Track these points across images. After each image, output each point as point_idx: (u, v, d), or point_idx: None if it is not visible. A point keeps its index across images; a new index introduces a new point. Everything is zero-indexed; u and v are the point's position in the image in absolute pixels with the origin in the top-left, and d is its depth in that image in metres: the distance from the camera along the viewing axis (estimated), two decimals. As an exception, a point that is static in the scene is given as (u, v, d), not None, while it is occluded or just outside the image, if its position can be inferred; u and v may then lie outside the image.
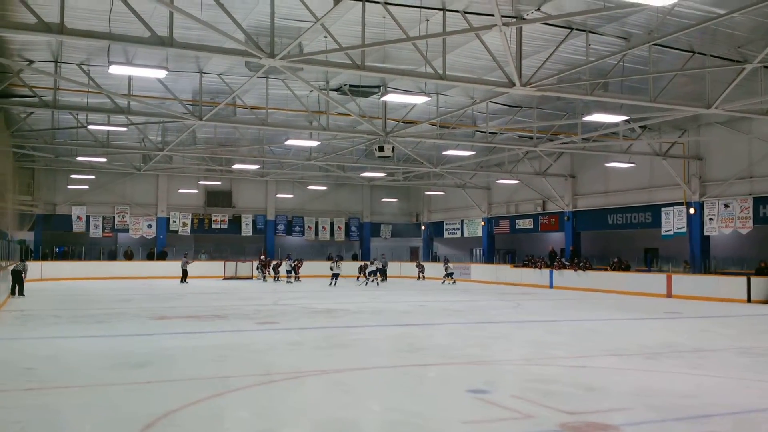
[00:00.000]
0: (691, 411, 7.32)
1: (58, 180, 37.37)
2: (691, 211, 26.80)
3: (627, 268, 29.45)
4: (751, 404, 7.81)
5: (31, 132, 26.75)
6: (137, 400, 7.74)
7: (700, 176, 26.86)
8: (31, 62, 18.31)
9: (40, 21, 11.84)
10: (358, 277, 34.67)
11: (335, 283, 31.94)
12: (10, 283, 22.34)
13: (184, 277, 33.32)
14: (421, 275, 38.12)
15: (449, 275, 34.50)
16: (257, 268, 37.11)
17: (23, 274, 22.90)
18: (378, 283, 33.53)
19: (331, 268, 32.68)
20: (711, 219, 26.17)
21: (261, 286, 32.01)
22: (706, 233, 26.47)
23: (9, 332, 13.77)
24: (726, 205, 25.62)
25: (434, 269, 38.51)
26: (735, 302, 22.55)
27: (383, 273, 36.44)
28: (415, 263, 39.97)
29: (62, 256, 37.56)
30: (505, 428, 6.72)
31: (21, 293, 22.44)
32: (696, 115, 21.10)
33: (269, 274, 35.97)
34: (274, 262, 36.61)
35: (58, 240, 38.04)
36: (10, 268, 22.68)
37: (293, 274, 34.52)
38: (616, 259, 29.83)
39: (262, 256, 38.34)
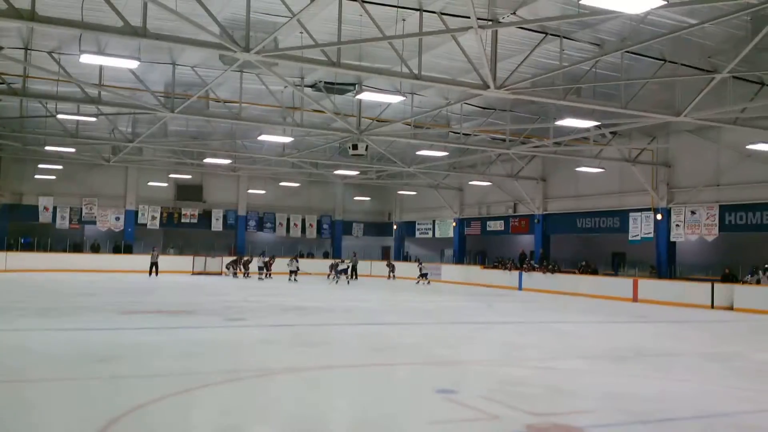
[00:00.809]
0: (657, 414, 7.42)
1: (26, 169, 36.63)
2: (659, 216, 27.19)
3: (594, 272, 29.79)
4: (716, 409, 7.95)
5: (-2, 120, 26.24)
6: (103, 395, 7.63)
7: (668, 183, 27.26)
8: (1, 48, 17.94)
9: (10, 7, 11.61)
10: (328, 275, 34.62)
11: (294, 279, 32.98)
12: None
13: (155, 270, 33.56)
14: (391, 275, 38.17)
15: (423, 275, 34.46)
16: (227, 266, 36.82)
17: None
18: (348, 282, 33.61)
19: (288, 265, 33.81)
20: (678, 225, 26.58)
21: (230, 282, 31.78)
22: (672, 239, 26.88)
23: (-30, 324, 13.49)
24: (693, 212, 26.04)
25: (405, 269, 38.66)
26: (699, 308, 22.93)
27: (354, 271, 36.58)
28: (386, 262, 40.01)
29: (28, 247, 36.86)
30: (471, 429, 6.75)
31: None
32: (666, 123, 21.40)
33: (239, 270, 35.71)
34: (245, 258, 36.37)
35: (24, 230, 37.31)
36: None
37: (265, 270, 34.42)
38: (584, 263, 30.15)
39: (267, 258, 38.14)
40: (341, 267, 34.36)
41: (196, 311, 17.24)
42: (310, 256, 44.23)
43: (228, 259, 37.10)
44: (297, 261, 34.29)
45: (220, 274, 36.89)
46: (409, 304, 22.05)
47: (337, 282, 32.76)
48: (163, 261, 35.81)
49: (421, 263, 35.96)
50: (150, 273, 33.40)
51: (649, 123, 21.09)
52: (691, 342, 14.71)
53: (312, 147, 30.27)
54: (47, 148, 29.94)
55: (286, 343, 12.19)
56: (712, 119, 19.04)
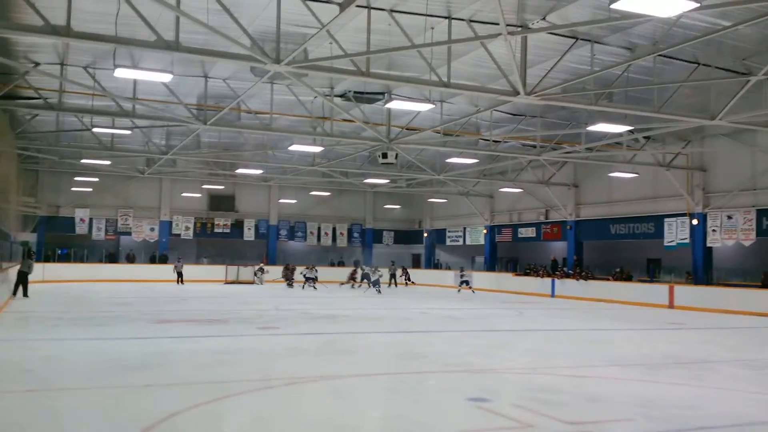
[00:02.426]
0: (692, 423, 7.29)
1: (62, 182, 37.42)
2: (694, 222, 26.75)
3: (629, 278, 29.39)
4: (752, 417, 7.77)
5: (35, 134, 26.80)
6: (136, 403, 7.73)
7: (704, 187, 26.82)
8: (37, 64, 18.37)
9: (46, 23, 11.88)
10: (352, 285, 34.87)
11: (313, 286, 33.60)
12: (13, 284, 22.33)
13: (180, 279, 34.70)
14: (401, 281, 38.47)
15: (465, 282, 33.25)
16: (255, 273, 37.17)
17: (28, 275, 22.88)
18: (379, 290, 32.46)
19: (303, 275, 34.24)
20: (714, 230, 26.12)
21: (262, 290, 31.94)
22: (708, 244, 26.42)
23: (10, 333, 13.78)
24: (729, 217, 25.57)
25: (426, 276, 39.11)
26: (737, 314, 22.47)
27: (393, 278, 38.07)
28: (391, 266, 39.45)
29: (64, 258, 37.61)
30: (504, 437, 6.70)
31: (25, 294, 22.44)
32: (700, 127, 21.08)
33: (294, 280, 35.64)
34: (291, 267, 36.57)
35: (60, 242, 38.09)
36: (17, 268, 22.69)
37: (312, 282, 34.41)
38: (618, 269, 29.77)
39: (262, 264, 38.42)
40: (374, 277, 32.56)
41: (228, 320, 17.39)
42: (341, 264, 44.36)
43: (267, 267, 37.56)
44: (316, 270, 34.67)
45: (252, 283, 37.13)
46: (440, 311, 21.96)
47: (364, 289, 32.66)
48: (196, 270, 36.44)
49: (463, 270, 34.88)
50: (178, 282, 34.49)
51: (683, 127, 20.79)
52: (729, 349, 14.40)
53: (342, 156, 30.39)
54: (83, 161, 30.51)
55: (317, 352, 12.23)
56: (747, 122, 18.70)
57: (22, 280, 22.56)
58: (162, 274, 36.50)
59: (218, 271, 37.93)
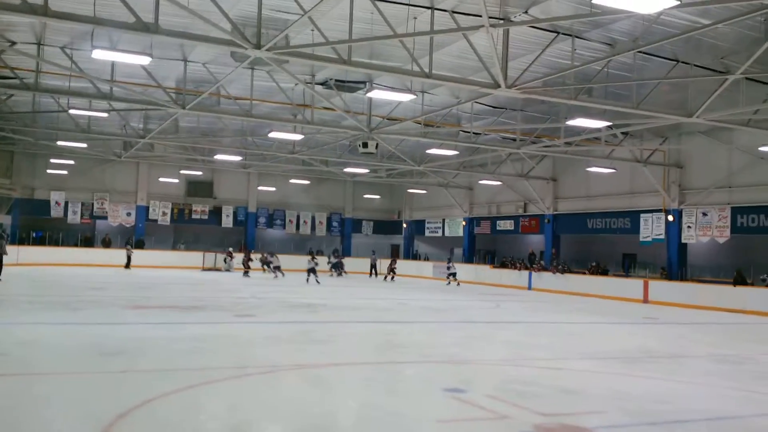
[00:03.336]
0: (666, 416, 7.38)
1: (38, 164, 36.87)
2: (670, 218, 27.05)
3: (605, 273, 29.67)
4: (725, 411, 7.89)
5: (11, 114, 26.40)
6: (112, 389, 7.66)
7: (680, 184, 27.12)
8: (14, 43, 18.06)
9: (24, 2, 11.67)
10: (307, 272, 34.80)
11: (275, 275, 32.67)
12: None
13: (129, 263, 34.36)
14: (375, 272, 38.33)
15: (452, 275, 32.63)
16: (224, 260, 36.93)
17: (1, 257, 22.55)
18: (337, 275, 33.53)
19: (270, 262, 33.70)
20: (689, 227, 26.44)
21: (240, 278, 31.79)
22: (683, 241, 26.73)
23: (-18, 317, 13.57)
24: (704, 214, 25.89)
25: (406, 266, 38.91)
26: (710, 310, 22.78)
27: (373, 269, 38.16)
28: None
29: (39, 242, 37.11)
30: (479, 428, 6.73)
31: None
32: (678, 124, 21.27)
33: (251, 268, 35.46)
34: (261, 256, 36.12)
35: (35, 225, 37.56)
36: None
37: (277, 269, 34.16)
38: (594, 263, 30.04)
39: (231, 249, 38.09)
40: (333, 262, 33.60)
41: (205, 307, 17.30)
42: (320, 253, 44.24)
43: (235, 254, 37.27)
44: (278, 257, 33.95)
45: (219, 270, 36.86)
46: (418, 302, 22.03)
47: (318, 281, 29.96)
48: (173, 257, 36.14)
49: (450, 261, 34.19)
50: (126, 266, 34.10)
51: (661, 124, 20.99)
52: (702, 344, 14.62)
53: (322, 144, 30.29)
54: (59, 143, 30.08)
55: (294, 340, 12.20)
56: (724, 121, 18.91)
57: None
58: (138, 259, 36.13)
59: (195, 257, 37.69)
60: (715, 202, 25.67)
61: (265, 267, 33.96)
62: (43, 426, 6.14)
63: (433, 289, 29.33)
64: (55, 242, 37.11)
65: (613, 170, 28.74)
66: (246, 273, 33.65)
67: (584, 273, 30.19)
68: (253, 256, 35.10)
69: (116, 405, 6.76)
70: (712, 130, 24.64)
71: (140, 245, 38.42)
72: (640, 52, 16.14)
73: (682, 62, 17.44)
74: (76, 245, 37.49)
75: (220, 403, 7.35)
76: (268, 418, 6.89)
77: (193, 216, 40.91)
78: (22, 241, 35.54)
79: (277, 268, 32.97)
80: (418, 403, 7.63)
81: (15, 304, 16.26)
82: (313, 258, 31.24)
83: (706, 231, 25.83)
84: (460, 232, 40.55)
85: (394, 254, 43.89)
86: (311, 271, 30.04)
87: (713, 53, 16.76)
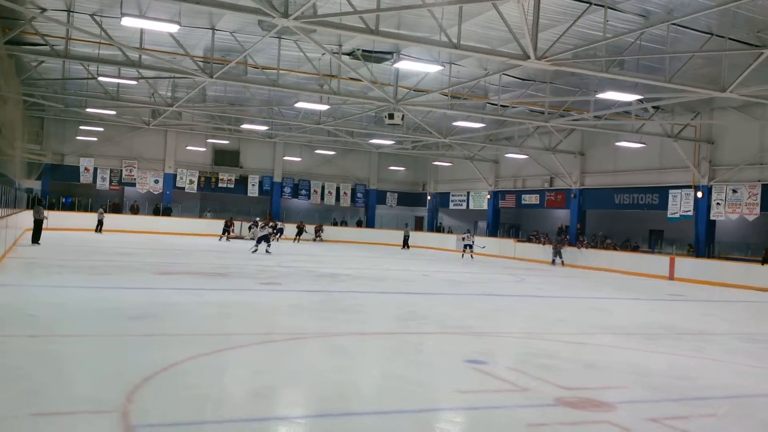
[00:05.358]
0: (688, 392, 7.36)
1: (67, 130, 37.36)
2: (699, 194, 26.68)
3: (635, 249, 29.41)
4: (749, 389, 7.84)
5: (41, 81, 26.66)
6: (138, 352, 7.81)
7: (710, 160, 26.68)
8: (44, 10, 18.16)
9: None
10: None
11: (254, 248, 27.06)
12: (19, 231, 22.97)
13: (100, 227, 34.22)
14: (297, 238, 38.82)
15: (468, 246, 32.27)
16: (249, 228, 36.76)
17: (41, 222, 23.73)
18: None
19: (251, 230, 32.94)
20: (718, 203, 26.06)
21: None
22: (712, 218, 26.38)
23: (14, 279, 13.87)
24: (734, 191, 25.49)
25: (429, 239, 38.63)
26: (737, 288, 22.55)
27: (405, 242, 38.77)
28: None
29: (69, 207, 37.73)
30: (500, 399, 6.76)
31: (36, 241, 22.99)
32: (710, 98, 20.88)
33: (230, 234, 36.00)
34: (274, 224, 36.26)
35: (65, 190, 38.19)
36: (20, 215, 23.27)
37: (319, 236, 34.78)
38: (626, 240, 29.73)
39: (257, 219, 38.18)
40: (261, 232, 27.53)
41: (231, 274, 17.49)
42: (344, 224, 44.52)
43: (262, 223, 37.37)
44: (270, 227, 32.65)
45: (243, 238, 37.03)
46: (441, 274, 22.06)
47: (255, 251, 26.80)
48: (200, 224, 36.45)
49: (468, 231, 33.90)
50: (96, 230, 34.01)
51: (693, 98, 20.59)
52: (728, 322, 14.49)
53: (348, 115, 30.21)
54: (88, 109, 30.39)
55: (318, 309, 12.32)
56: (757, 96, 18.52)
57: (38, 227, 23.53)
58: (166, 226, 36.60)
59: (221, 225, 38.02)
60: (746, 179, 25.24)
61: (247, 235, 33.34)
62: (69, 386, 6.28)
63: (456, 262, 29.33)
64: (84, 208, 37.68)
65: (643, 145, 28.32)
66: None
67: (612, 248, 29.96)
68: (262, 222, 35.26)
69: (141, 367, 6.89)
70: (745, 106, 24.14)
71: (167, 212, 38.85)
72: (673, 24, 15.79)
73: (717, 35, 17.03)
74: (104, 211, 37.99)
75: (245, 368, 7.46)
76: (291, 383, 6.98)
77: (220, 185, 41.26)
78: (51, 206, 36.12)
79: (265, 239, 27.17)
80: (439, 373, 7.68)
81: (45, 267, 16.58)
82: (265, 225, 28.31)
83: (735, 208, 25.45)
84: (485, 206, 40.39)
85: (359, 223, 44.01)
86: (263, 239, 26.97)
87: (749, 26, 16.33)
